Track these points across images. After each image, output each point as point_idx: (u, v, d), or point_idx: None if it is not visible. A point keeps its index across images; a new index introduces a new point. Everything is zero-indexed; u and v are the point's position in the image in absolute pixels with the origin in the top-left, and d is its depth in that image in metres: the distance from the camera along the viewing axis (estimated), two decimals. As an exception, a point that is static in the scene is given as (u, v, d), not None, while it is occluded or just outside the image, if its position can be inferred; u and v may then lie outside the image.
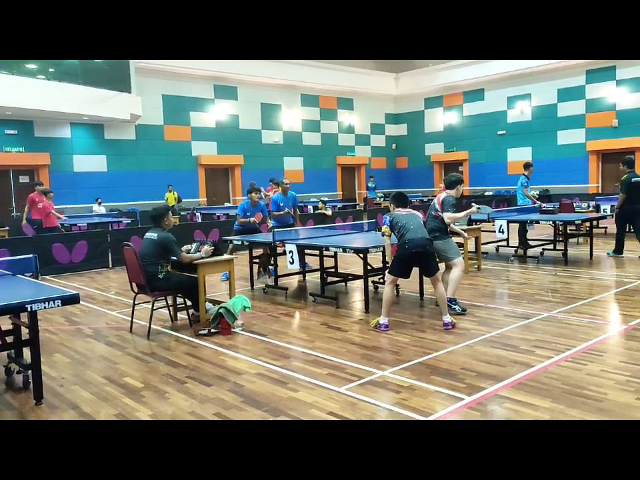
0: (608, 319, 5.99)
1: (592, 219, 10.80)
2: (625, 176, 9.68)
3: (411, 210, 6.14)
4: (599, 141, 21.60)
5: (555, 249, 10.45)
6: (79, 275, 10.58)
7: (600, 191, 21.13)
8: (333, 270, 8.30)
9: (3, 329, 4.87)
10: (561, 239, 10.45)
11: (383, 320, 5.86)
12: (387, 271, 6.13)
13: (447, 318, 5.78)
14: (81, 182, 18.98)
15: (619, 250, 9.87)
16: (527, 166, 11.05)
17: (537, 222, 10.13)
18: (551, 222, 10.14)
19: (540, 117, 23.23)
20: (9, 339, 4.79)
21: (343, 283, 8.27)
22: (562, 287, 7.60)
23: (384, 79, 27.05)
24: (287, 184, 9.69)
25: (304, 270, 8.67)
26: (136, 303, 6.24)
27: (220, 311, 5.96)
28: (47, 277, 9.87)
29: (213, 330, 5.93)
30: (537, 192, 17.69)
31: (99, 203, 18.49)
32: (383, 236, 6.17)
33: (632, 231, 10.30)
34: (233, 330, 5.96)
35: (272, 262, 8.63)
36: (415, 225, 5.83)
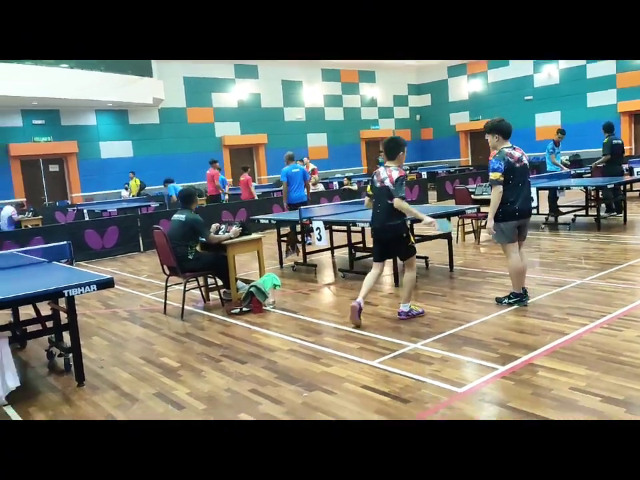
0: (644, 283, 5.86)
1: (625, 182, 10.50)
2: (606, 139, 10.43)
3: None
4: (631, 101, 20.88)
5: (587, 215, 10.23)
6: (111, 259, 10.79)
7: (633, 153, 20.49)
8: (360, 245, 8.28)
9: (42, 314, 5.03)
10: (593, 204, 10.21)
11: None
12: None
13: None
14: (109, 168, 19.24)
15: (616, 209, 10.21)
16: (558, 131, 11.29)
17: (568, 188, 9.91)
18: (582, 187, 9.91)
19: (568, 79, 22.55)
20: (49, 324, 4.95)
21: (371, 258, 8.24)
22: (595, 253, 7.46)
23: (405, 48, 26.51)
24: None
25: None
26: (168, 284, 6.35)
27: (251, 289, 6.03)
28: (80, 262, 10.09)
29: (244, 309, 6.01)
30: (568, 157, 17.25)
31: (127, 188, 18.73)
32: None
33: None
34: (264, 308, 6.03)
35: (300, 240, 8.64)
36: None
